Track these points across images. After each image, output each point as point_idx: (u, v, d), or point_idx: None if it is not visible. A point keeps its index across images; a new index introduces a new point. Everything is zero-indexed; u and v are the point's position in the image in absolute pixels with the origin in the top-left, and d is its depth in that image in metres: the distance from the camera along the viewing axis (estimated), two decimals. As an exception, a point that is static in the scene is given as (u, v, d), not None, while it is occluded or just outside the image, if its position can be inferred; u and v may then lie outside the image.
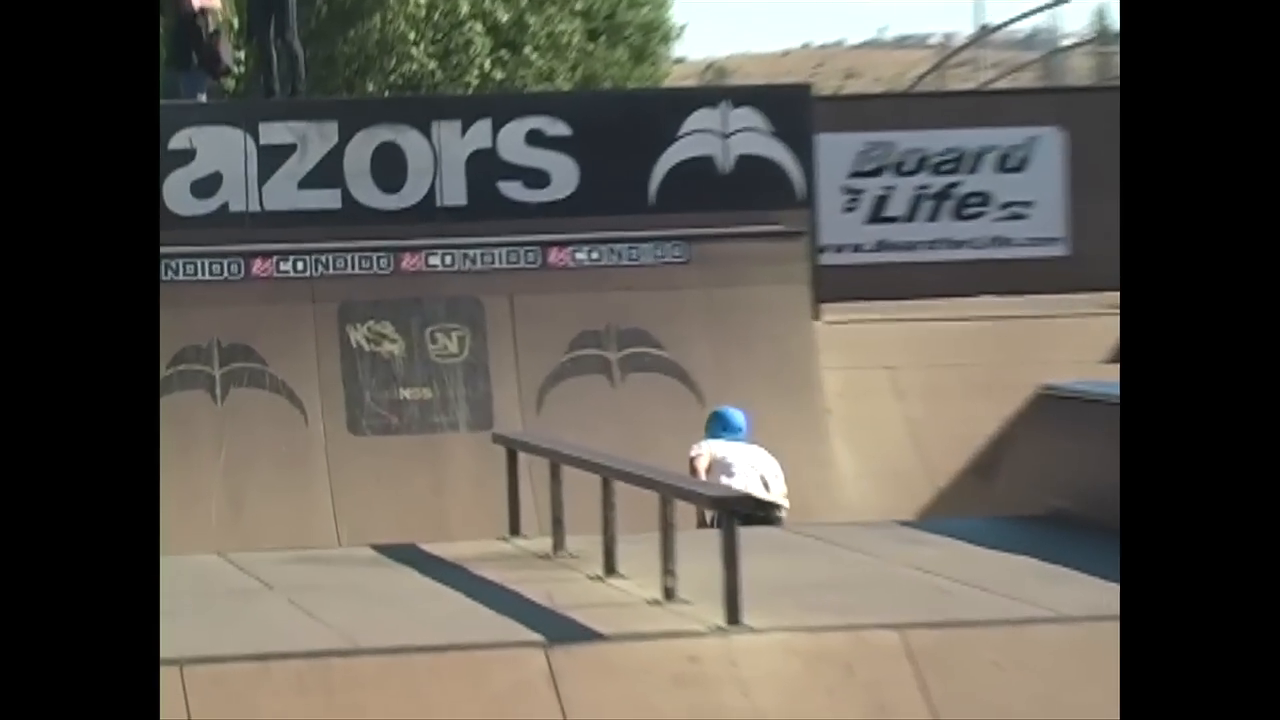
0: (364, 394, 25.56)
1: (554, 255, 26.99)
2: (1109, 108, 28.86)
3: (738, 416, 21.07)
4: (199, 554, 20.57)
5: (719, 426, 20.69)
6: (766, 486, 19.98)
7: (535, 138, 28.24)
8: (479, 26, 62.38)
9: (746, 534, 16.23)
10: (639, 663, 15.26)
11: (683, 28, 75.32)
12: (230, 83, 32.84)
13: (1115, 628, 15.96)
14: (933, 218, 30.29)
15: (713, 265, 27.00)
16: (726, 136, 28.01)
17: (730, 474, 20.02)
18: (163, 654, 14.62)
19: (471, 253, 26.65)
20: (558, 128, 28.28)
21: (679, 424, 24.84)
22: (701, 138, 28.30)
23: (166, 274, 25.86)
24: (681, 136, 28.25)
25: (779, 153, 28.08)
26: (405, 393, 25.69)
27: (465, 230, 26.85)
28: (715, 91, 34.25)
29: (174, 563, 18.64)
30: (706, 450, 19.83)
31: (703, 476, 19.82)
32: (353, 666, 15.17)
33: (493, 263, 26.48)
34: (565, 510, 19.14)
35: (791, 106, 29.48)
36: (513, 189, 27.59)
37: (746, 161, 28.04)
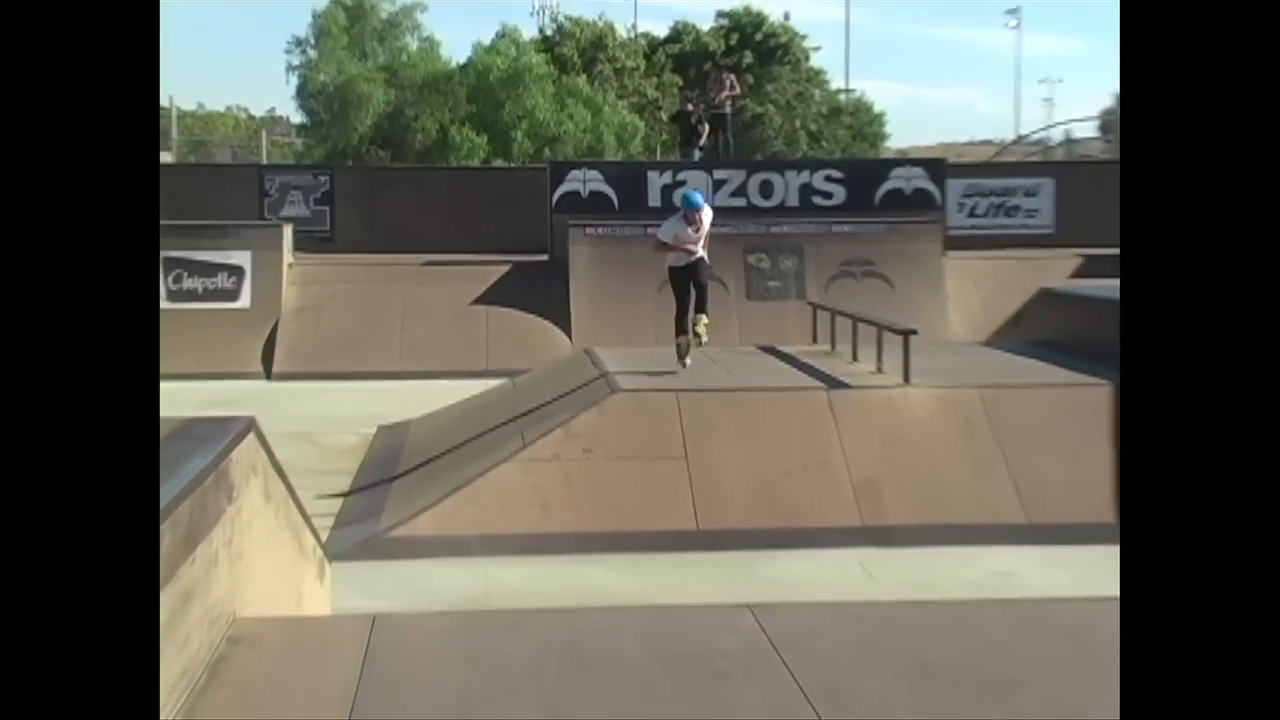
0: (754, 284, 30.00)
1: (833, 229, 31.62)
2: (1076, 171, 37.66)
3: (700, 195, 19.85)
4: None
5: (690, 201, 19.16)
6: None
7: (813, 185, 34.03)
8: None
9: (916, 341, 18.80)
10: (868, 399, 17.88)
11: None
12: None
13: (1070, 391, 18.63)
14: (993, 215, 35.16)
15: (904, 234, 31.31)
16: (915, 180, 33.53)
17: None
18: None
19: (799, 227, 31.63)
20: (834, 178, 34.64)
21: (882, 300, 27.69)
22: (909, 178, 33.93)
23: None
24: (889, 178, 33.98)
25: (932, 186, 33.30)
26: (771, 283, 30.03)
27: (795, 220, 31.86)
28: (904, 160, 38.73)
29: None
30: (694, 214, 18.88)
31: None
32: (735, 397, 18.17)
33: (806, 232, 31.34)
34: (836, 333, 21.59)
35: (937, 168, 34.58)
36: (817, 199, 33.27)
37: (919, 192, 33.22)
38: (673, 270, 18.54)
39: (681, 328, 18.18)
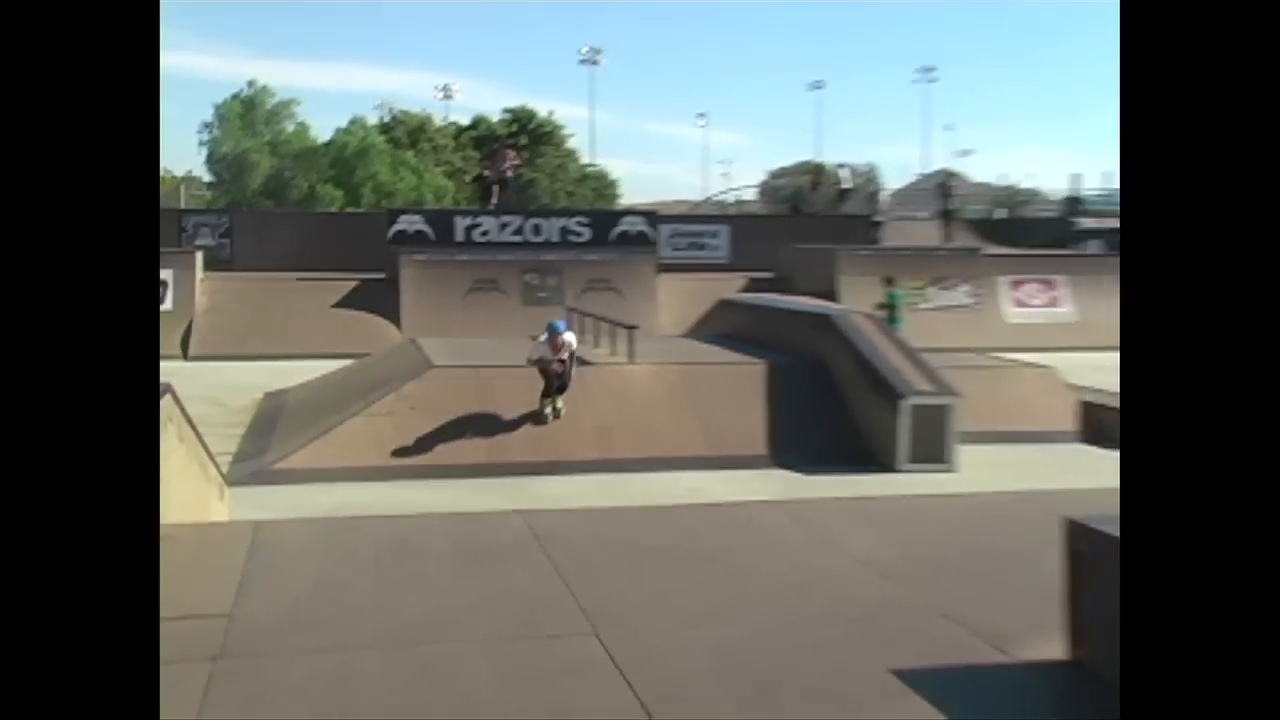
0: (528, 294, 29.15)
1: (583, 257, 31.07)
2: (743, 221, 38.48)
3: (561, 323, 17.44)
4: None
5: (553, 328, 16.89)
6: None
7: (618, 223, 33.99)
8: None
9: (637, 334, 18.64)
10: (610, 373, 17.68)
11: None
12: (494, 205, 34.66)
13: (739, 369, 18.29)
14: (689, 249, 35.16)
15: (630, 262, 30.60)
16: (637, 225, 32.63)
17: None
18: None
19: (560, 255, 30.92)
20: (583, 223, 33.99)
21: (615, 306, 25.87)
22: (634, 224, 33.78)
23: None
24: (620, 223, 33.25)
25: (649, 229, 32.45)
26: (540, 294, 28.95)
27: (557, 251, 31.15)
28: (630, 211, 38.20)
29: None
30: (556, 338, 16.75)
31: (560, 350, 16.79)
32: (513, 370, 16.91)
33: (564, 259, 30.49)
34: (590, 328, 20.36)
35: (652, 217, 33.81)
36: (571, 237, 32.65)
37: (640, 233, 32.37)
38: (543, 369, 16.84)
39: (545, 394, 16.83)
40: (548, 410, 16.88)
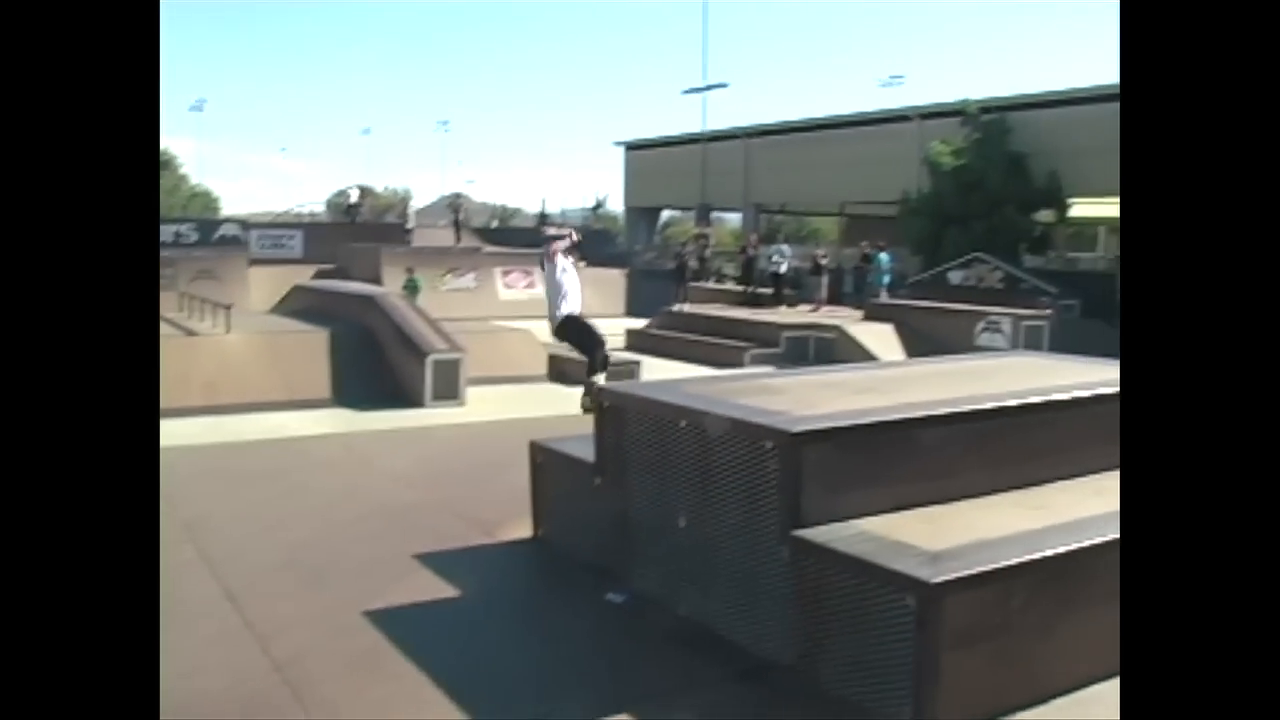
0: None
1: (192, 253, 28.25)
2: (314, 228, 35.43)
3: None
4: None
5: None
6: None
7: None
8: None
9: (234, 311, 17.55)
10: (212, 341, 15.89)
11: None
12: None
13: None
14: (273, 248, 33.46)
15: (227, 257, 28.18)
16: (233, 230, 30.73)
17: None
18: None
19: (174, 254, 27.81)
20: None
21: (216, 289, 22.94)
22: (230, 229, 32.73)
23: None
24: (220, 228, 31.71)
25: (242, 233, 30.57)
26: (161, 281, 30.47)
27: (171, 251, 28.99)
28: (234, 219, 34.32)
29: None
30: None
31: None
32: None
33: (177, 255, 28.83)
34: (197, 308, 18.42)
35: (244, 224, 32.11)
36: (182, 239, 31.20)
37: (235, 236, 30.72)
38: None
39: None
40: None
